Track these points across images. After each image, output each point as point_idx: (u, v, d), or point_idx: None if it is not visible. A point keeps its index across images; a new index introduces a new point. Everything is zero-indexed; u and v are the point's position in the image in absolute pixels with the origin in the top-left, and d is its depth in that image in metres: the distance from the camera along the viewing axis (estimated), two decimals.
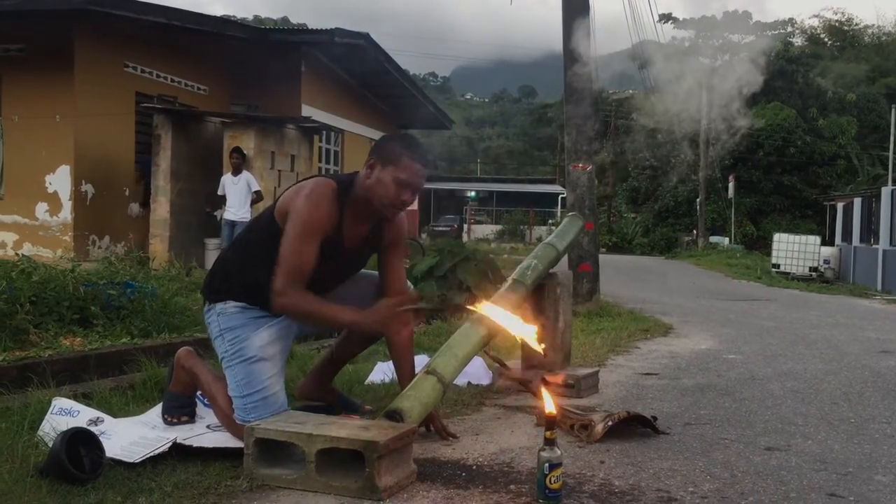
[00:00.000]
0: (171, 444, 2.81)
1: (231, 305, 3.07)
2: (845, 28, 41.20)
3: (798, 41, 43.85)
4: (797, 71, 35.40)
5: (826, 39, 41.94)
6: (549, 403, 2.65)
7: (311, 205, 2.92)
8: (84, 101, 11.25)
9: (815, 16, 48.18)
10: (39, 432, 2.95)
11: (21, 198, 11.37)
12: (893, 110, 20.09)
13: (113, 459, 2.68)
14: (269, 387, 2.96)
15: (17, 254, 6.98)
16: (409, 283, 3.46)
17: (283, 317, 3.09)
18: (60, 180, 11.25)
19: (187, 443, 2.86)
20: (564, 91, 9.24)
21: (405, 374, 3.24)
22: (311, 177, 3.37)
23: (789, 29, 45.64)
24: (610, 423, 3.31)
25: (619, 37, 28.60)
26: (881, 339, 7.60)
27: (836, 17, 41.45)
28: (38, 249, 10.76)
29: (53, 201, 11.29)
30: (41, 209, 11.34)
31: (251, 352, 2.99)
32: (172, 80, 13.26)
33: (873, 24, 42.49)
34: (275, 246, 2.93)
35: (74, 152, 11.18)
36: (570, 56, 8.94)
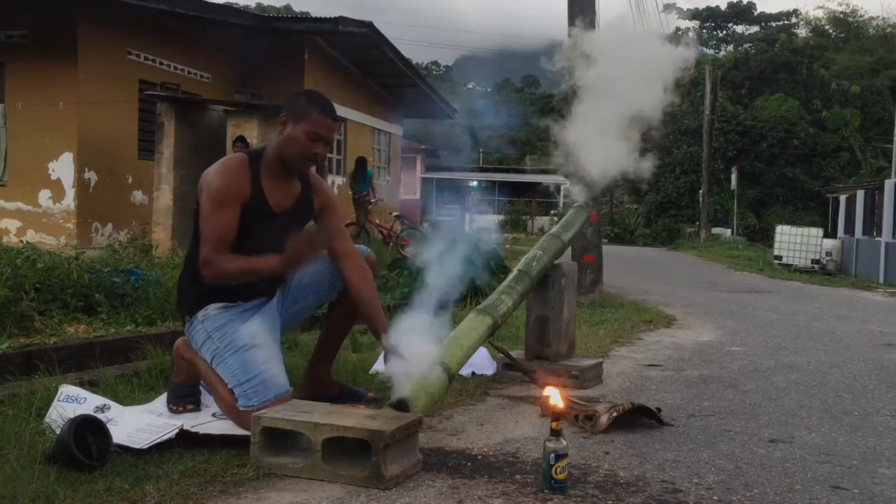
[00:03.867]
0: (177, 430, 2.82)
1: (213, 308, 3.11)
2: (850, 19, 40.96)
3: (802, 32, 43.66)
4: (801, 62, 35.26)
5: (830, 31, 41.72)
6: (555, 395, 2.67)
7: (219, 175, 3.05)
8: (87, 89, 11.22)
9: (820, 7, 47.99)
10: (46, 419, 2.97)
11: (24, 185, 11.36)
12: None
13: (120, 446, 2.69)
14: (266, 369, 2.97)
15: (20, 241, 6.99)
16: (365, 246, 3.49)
17: (266, 307, 3.18)
18: (63, 167, 11.23)
19: (194, 430, 2.87)
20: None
21: (379, 327, 3.19)
22: None
23: (794, 20, 45.49)
24: (615, 414, 3.32)
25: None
26: (884, 331, 7.59)
27: (840, 9, 41.24)
28: (41, 236, 10.76)
29: (56, 188, 11.27)
30: (44, 196, 11.33)
31: (242, 341, 3.01)
32: (176, 68, 13.23)
33: (878, 16, 42.35)
34: None
35: (77, 139, 11.15)
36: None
